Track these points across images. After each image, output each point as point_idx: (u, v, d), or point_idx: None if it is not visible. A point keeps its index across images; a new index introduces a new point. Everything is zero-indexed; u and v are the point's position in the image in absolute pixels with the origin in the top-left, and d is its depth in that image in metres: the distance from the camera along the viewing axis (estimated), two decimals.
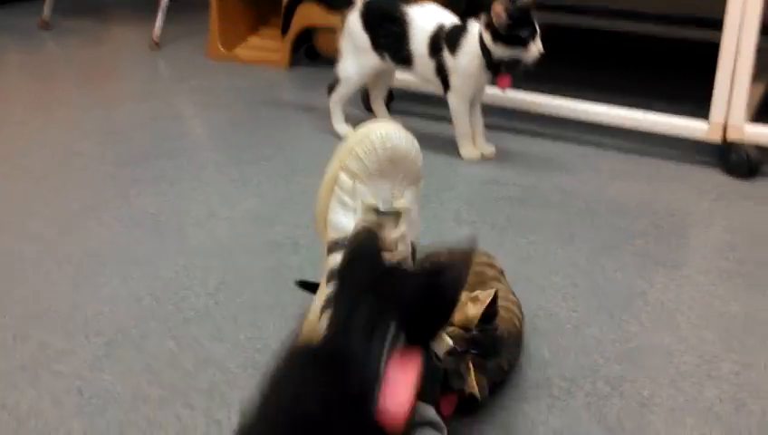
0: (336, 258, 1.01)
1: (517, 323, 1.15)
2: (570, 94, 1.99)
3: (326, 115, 2.07)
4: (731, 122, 1.74)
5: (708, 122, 1.76)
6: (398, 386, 0.69)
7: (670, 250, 1.47)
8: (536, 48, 1.72)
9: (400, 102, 2.26)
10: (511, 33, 1.71)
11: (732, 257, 1.44)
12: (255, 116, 2.23)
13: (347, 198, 1.03)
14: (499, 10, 1.70)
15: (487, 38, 1.75)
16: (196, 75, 2.66)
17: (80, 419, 1.08)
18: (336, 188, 1.05)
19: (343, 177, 1.04)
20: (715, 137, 1.76)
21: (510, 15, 1.69)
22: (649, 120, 1.85)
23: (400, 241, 1.02)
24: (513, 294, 1.20)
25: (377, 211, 1.02)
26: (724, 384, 1.12)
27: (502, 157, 1.92)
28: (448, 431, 0.88)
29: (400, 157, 1.03)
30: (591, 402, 1.08)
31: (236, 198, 1.72)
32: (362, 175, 1.02)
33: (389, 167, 1.03)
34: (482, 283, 1.19)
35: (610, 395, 1.10)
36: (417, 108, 2.22)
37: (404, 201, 1.03)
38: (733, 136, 1.74)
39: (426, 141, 1.97)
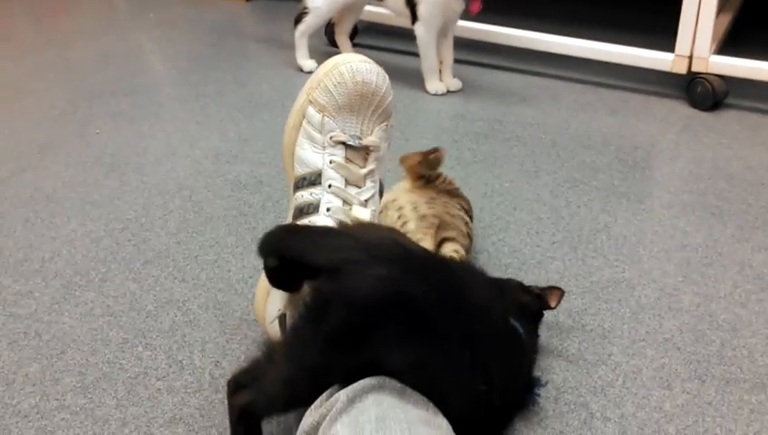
0: (303, 196, 1.00)
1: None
2: (534, 27, 1.96)
3: (290, 49, 2.02)
4: (696, 54, 1.72)
5: (674, 54, 1.75)
6: None
7: (634, 183, 1.47)
8: None
9: (365, 36, 2.22)
10: None
11: (695, 190, 1.44)
12: (217, 51, 2.17)
13: (315, 133, 1.00)
14: None
15: None
16: (154, 8, 2.57)
17: (38, 361, 1.06)
18: (304, 122, 1.02)
19: (311, 110, 1.01)
20: (681, 69, 1.75)
21: None
22: (614, 52, 1.83)
23: (368, 178, 1.01)
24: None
25: (345, 146, 1.00)
26: (684, 316, 1.13)
27: (467, 91, 1.89)
28: None
29: (370, 92, 1.00)
30: (554, 335, 1.09)
31: (197, 136, 1.68)
32: (331, 109, 1.00)
33: (359, 101, 1.00)
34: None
35: (572, 328, 1.11)
36: (383, 42, 2.18)
37: (373, 138, 1.01)
38: (698, 68, 1.73)
39: (390, 75, 1.93)
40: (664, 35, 1.79)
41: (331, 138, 0.99)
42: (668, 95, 1.83)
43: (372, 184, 1.01)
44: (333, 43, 2.10)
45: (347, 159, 0.99)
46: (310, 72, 1.93)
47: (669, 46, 1.75)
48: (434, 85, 1.87)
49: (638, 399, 0.99)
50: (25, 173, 1.54)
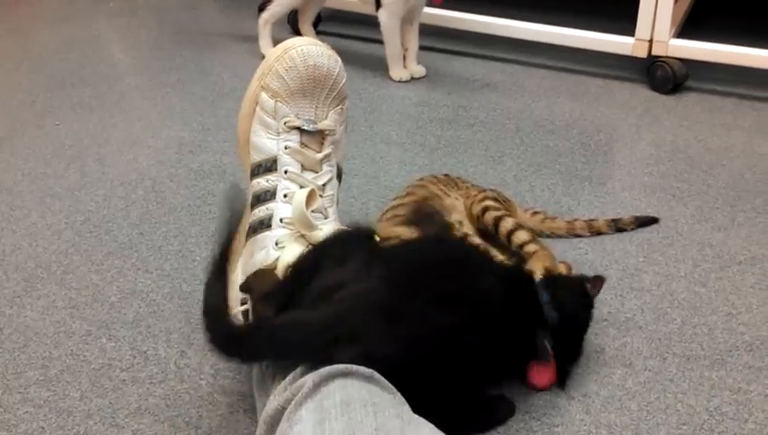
0: (260, 183, 0.99)
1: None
2: (497, 13, 1.96)
3: (252, 38, 2.01)
4: (656, 38, 1.74)
5: (634, 38, 1.76)
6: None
7: (596, 167, 1.49)
8: None
9: (328, 24, 2.21)
10: None
11: (656, 172, 1.46)
12: (179, 39, 2.15)
13: (269, 119, 1.00)
14: None
15: None
16: None
17: (0, 355, 1.05)
18: (257, 108, 1.01)
19: (264, 96, 1.00)
20: (641, 52, 1.77)
21: None
22: (576, 37, 1.84)
23: (325, 162, 1.00)
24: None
25: (300, 131, 0.99)
26: (645, 295, 1.15)
27: (431, 77, 1.89)
28: None
29: (322, 75, 0.99)
30: None
31: (160, 126, 1.66)
32: (283, 94, 0.99)
33: (311, 85, 0.99)
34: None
35: None
36: (346, 29, 2.17)
37: (329, 122, 1.00)
38: (658, 51, 1.75)
39: (354, 62, 1.93)
40: (624, 20, 1.81)
41: (285, 123, 0.98)
42: (629, 79, 1.85)
43: (329, 168, 1.00)
44: (297, 31, 2.09)
45: (302, 144, 0.99)
46: None
47: (630, 30, 1.77)
48: (398, 72, 1.87)
49: (601, 377, 1.00)
50: None
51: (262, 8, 1.94)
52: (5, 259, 1.24)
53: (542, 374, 0.97)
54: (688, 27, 1.89)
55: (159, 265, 1.22)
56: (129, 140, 1.60)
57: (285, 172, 0.98)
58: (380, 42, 1.87)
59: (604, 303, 1.13)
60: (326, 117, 1.00)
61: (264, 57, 1.02)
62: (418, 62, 1.90)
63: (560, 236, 1.25)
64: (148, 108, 1.74)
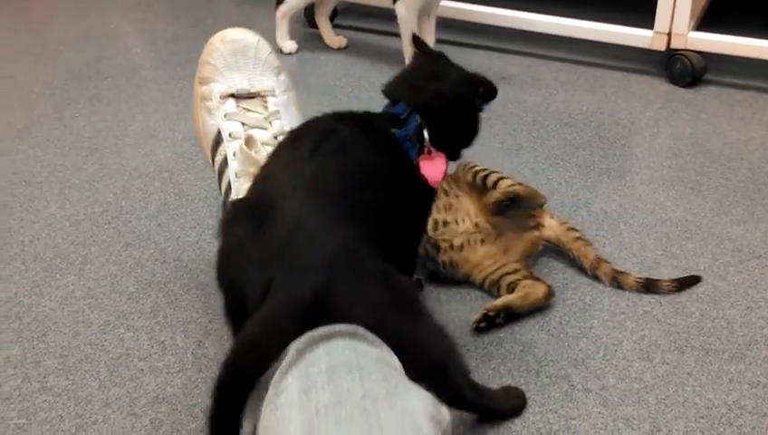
0: (218, 160, 1.06)
1: None
2: (514, 6, 1.95)
3: (269, 30, 2.00)
4: (675, 31, 1.73)
5: (652, 31, 1.75)
6: (431, 167, 0.93)
7: (614, 160, 1.48)
8: None
9: (345, 17, 2.20)
10: None
11: (674, 165, 1.45)
12: (195, 32, 2.15)
13: (209, 103, 1.08)
14: None
15: None
16: None
17: (19, 344, 1.06)
18: (200, 101, 1.10)
19: (202, 88, 1.09)
20: (659, 45, 1.75)
21: None
22: (594, 30, 1.83)
23: (272, 118, 1.07)
24: None
25: (235, 97, 1.07)
26: None
27: None
28: None
29: (242, 47, 1.09)
30: (535, 310, 1.10)
31: (177, 118, 1.67)
32: (214, 75, 1.08)
33: (235, 59, 1.08)
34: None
35: (554, 303, 1.11)
36: (363, 23, 2.17)
37: (264, 84, 1.08)
38: (677, 44, 1.74)
39: (371, 55, 1.93)
40: (643, 12, 1.80)
41: (219, 96, 1.06)
42: (648, 72, 1.83)
43: (279, 123, 1.07)
44: (313, 25, 2.09)
45: (242, 108, 1.06)
46: (290, 54, 1.93)
47: (648, 23, 1.76)
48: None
49: (619, 370, 1.00)
50: (3, 157, 1.52)
51: (280, 1, 1.94)
52: (25, 250, 1.25)
53: (429, 167, 0.95)
54: (707, 20, 1.87)
55: (177, 256, 1.22)
56: (147, 133, 1.61)
57: (230, 135, 1.05)
58: (397, 35, 1.86)
59: (622, 296, 1.12)
60: (261, 83, 1.08)
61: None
62: None
63: (581, 265, 1.17)
64: (166, 100, 1.75)
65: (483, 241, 1.14)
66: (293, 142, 0.90)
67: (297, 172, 0.84)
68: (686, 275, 1.15)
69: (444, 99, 0.97)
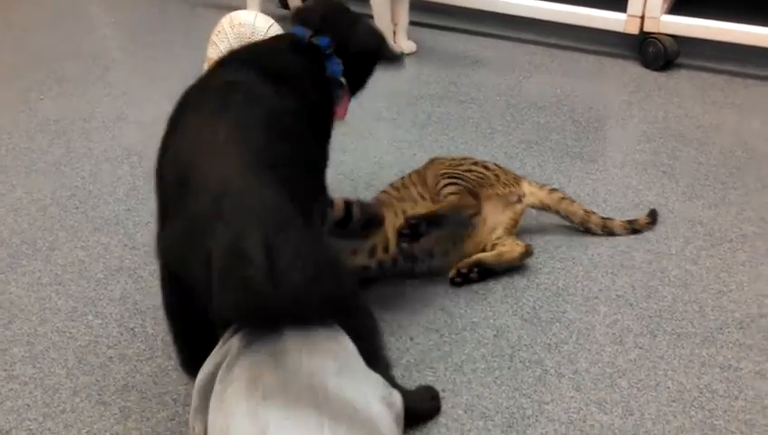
0: None
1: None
2: None
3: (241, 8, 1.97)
4: (648, 14, 1.73)
5: (626, 14, 1.75)
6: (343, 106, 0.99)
7: (587, 144, 1.48)
8: None
9: None
10: None
11: (647, 149, 1.45)
12: (165, 13, 2.11)
13: None
14: None
15: None
16: None
17: None
18: None
19: (206, 67, 1.08)
20: (633, 29, 1.75)
21: None
22: (567, 13, 1.82)
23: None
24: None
25: None
26: (636, 273, 1.14)
27: (422, 53, 1.87)
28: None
29: (249, 32, 1.07)
30: (509, 294, 1.10)
31: (145, 101, 1.64)
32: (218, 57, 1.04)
33: (240, 43, 1.07)
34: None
35: (527, 287, 1.11)
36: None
37: None
38: (650, 28, 1.74)
39: None
40: None
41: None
42: (621, 55, 1.83)
43: None
44: (285, 5, 2.06)
45: None
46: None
47: (622, 7, 1.76)
48: None
49: (592, 355, 1.00)
50: None
51: None
52: None
53: (341, 107, 0.99)
54: (680, 4, 1.87)
55: (147, 242, 1.20)
56: (115, 115, 1.58)
57: None
58: (370, 16, 1.84)
59: (595, 281, 1.12)
60: None
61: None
62: (408, 38, 1.88)
63: (571, 222, 1.20)
64: (134, 82, 1.72)
65: (469, 235, 1.14)
66: (197, 104, 0.84)
67: (208, 136, 0.78)
68: (651, 210, 1.24)
69: (361, 46, 0.98)
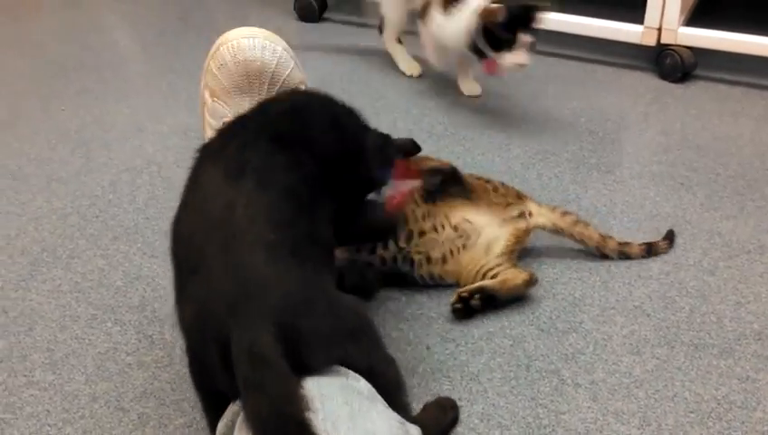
0: None
1: None
2: None
3: (263, 26, 1.99)
4: (665, 26, 1.73)
5: (643, 26, 1.75)
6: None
7: (604, 155, 1.48)
8: (513, 58, 1.49)
9: (335, 11, 2.19)
10: (495, 33, 1.48)
11: (664, 160, 1.45)
12: (183, 24, 2.14)
13: (211, 120, 0.97)
14: (495, 10, 1.46)
15: (471, 23, 1.50)
16: None
17: (5, 338, 1.05)
18: (205, 108, 0.99)
19: (206, 95, 0.98)
20: (650, 41, 1.75)
21: (504, 17, 1.45)
22: (584, 25, 1.83)
23: None
24: None
25: None
26: (653, 284, 1.14)
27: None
28: None
29: (257, 69, 0.95)
30: (525, 304, 1.10)
31: (165, 112, 1.65)
32: (219, 92, 0.96)
33: (246, 81, 0.95)
34: None
35: (544, 297, 1.11)
36: (354, 17, 2.16)
37: None
38: (667, 39, 1.74)
39: (361, 50, 1.92)
40: (633, 8, 1.80)
41: (224, 122, 0.93)
42: (638, 67, 1.83)
43: None
44: (303, 18, 2.08)
45: None
46: (411, 76, 1.82)
47: (638, 18, 1.76)
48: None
49: (609, 365, 1.00)
50: None
51: (381, 30, 1.82)
52: (11, 243, 1.24)
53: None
54: (698, 15, 1.87)
55: (165, 250, 1.21)
56: (134, 126, 1.59)
57: None
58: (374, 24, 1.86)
59: (612, 291, 1.12)
60: None
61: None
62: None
63: (586, 246, 1.17)
64: (153, 94, 1.74)
65: (464, 246, 1.11)
66: (215, 162, 0.81)
67: (222, 215, 0.75)
68: (668, 231, 1.23)
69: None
